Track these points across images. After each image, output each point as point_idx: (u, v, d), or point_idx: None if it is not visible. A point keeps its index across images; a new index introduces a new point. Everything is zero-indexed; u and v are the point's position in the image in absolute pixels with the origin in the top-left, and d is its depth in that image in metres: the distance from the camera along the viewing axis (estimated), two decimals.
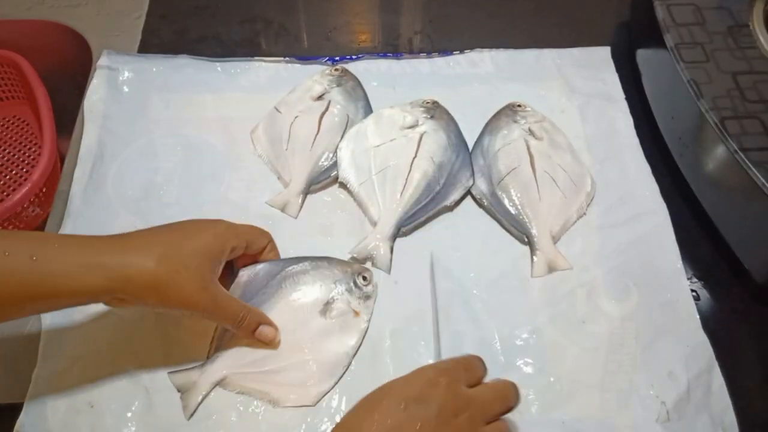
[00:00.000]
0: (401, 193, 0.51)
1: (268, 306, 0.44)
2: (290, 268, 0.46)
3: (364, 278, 0.46)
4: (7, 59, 0.66)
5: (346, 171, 0.52)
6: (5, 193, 0.67)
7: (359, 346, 0.44)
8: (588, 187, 0.52)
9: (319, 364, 0.43)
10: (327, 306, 0.45)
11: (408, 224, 0.50)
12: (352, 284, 0.45)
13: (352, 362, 0.44)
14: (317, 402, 0.42)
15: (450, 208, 0.52)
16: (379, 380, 0.43)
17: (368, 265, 0.48)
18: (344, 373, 0.43)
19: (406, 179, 0.51)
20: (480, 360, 0.39)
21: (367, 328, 0.45)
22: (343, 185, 0.52)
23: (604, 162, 0.55)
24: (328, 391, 0.42)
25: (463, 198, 0.52)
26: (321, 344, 0.44)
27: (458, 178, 0.52)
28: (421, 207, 0.51)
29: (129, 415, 0.42)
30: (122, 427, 0.41)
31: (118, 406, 0.42)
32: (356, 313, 0.45)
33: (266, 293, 0.45)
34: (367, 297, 0.45)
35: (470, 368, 0.38)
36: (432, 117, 0.55)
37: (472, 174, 0.53)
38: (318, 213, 0.51)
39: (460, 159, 0.54)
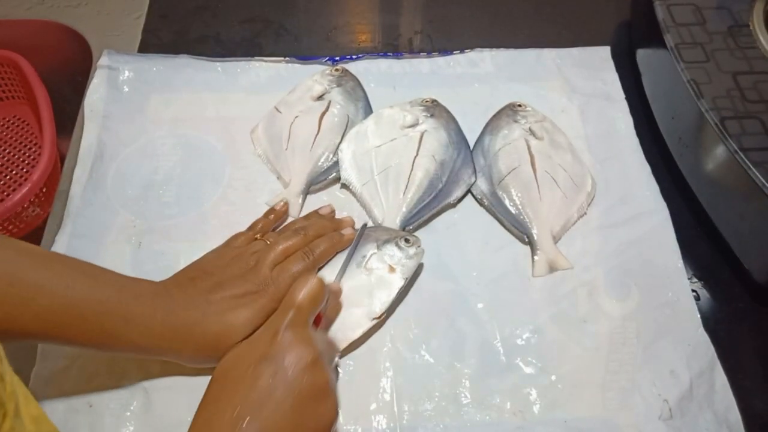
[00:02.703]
0: (404, 193, 0.51)
1: None
2: None
3: (407, 240, 0.47)
4: (7, 59, 0.66)
5: (348, 172, 0.52)
6: (5, 193, 0.67)
7: (393, 302, 0.45)
8: (588, 187, 0.52)
9: (349, 314, 0.44)
10: (365, 261, 0.46)
11: (412, 223, 0.50)
12: (394, 245, 0.46)
13: (352, 364, 0.44)
14: (343, 348, 0.43)
15: (453, 206, 0.52)
16: (379, 382, 0.43)
17: None
18: (372, 326, 0.44)
19: (409, 178, 0.51)
20: (315, 279, 0.39)
21: (405, 287, 0.46)
22: (346, 186, 0.52)
23: (604, 162, 0.55)
24: (354, 340, 0.44)
25: (465, 195, 0.52)
26: (354, 295, 0.45)
27: (460, 176, 0.52)
28: (425, 205, 0.51)
29: (128, 414, 0.41)
30: (121, 427, 0.41)
31: (116, 406, 0.42)
32: (392, 269, 0.45)
33: None
34: (408, 258, 0.46)
35: (304, 304, 0.38)
36: (432, 115, 0.55)
37: (474, 171, 0.53)
38: None
39: (461, 156, 0.54)
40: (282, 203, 0.50)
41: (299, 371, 0.35)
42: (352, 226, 0.48)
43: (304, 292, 0.38)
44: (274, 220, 0.49)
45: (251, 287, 0.41)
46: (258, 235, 0.46)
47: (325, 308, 0.41)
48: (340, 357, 0.44)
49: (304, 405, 0.35)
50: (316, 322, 0.40)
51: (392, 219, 0.50)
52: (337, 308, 0.44)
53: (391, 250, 0.46)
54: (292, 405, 0.34)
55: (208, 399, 0.35)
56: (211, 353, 0.39)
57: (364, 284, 0.45)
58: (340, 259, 0.46)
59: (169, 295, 0.40)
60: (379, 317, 0.44)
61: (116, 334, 0.38)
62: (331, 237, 0.46)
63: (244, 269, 0.42)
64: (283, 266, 0.43)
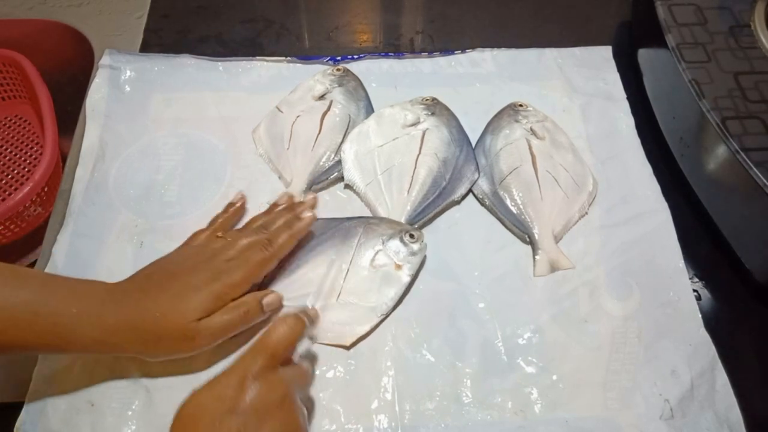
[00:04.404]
0: (408, 191, 0.51)
1: (319, 251, 0.47)
2: (344, 223, 0.49)
3: (411, 236, 0.47)
4: (8, 59, 0.66)
5: (351, 172, 0.52)
6: (7, 193, 0.67)
7: (399, 299, 0.46)
8: (590, 187, 0.52)
9: (357, 309, 0.45)
10: (372, 257, 0.46)
11: (417, 221, 0.50)
12: (398, 241, 0.47)
13: (353, 363, 0.44)
14: (352, 343, 0.44)
15: (457, 203, 0.52)
16: (381, 381, 0.43)
17: None
18: (380, 321, 0.45)
19: (412, 177, 0.51)
20: (294, 321, 0.38)
21: (410, 283, 0.47)
22: (348, 186, 0.53)
23: (605, 162, 0.55)
24: (362, 335, 0.44)
25: (469, 192, 0.53)
26: (361, 291, 0.45)
27: (463, 173, 0.53)
28: (429, 203, 0.51)
29: (129, 413, 0.41)
30: (123, 426, 0.41)
31: (118, 405, 0.42)
32: (398, 266, 0.46)
33: (319, 240, 0.48)
34: (413, 254, 0.47)
35: (278, 349, 0.36)
36: (433, 114, 0.55)
37: (477, 167, 0.53)
38: (320, 213, 0.51)
39: (463, 153, 0.54)
40: (240, 196, 0.50)
41: (269, 420, 0.34)
42: (313, 206, 0.48)
43: (279, 336, 0.36)
44: (233, 214, 0.49)
45: (203, 276, 0.41)
46: (219, 233, 0.46)
47: (301, 340, 0.40)
48: (348, 348, 0.44)
49: None
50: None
51: (397, 218, 0.50)
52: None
53: (396, 246, 0.47)
54: None
55: None
56: (166, 338, 0.39)
57: (372, 281, 0.46)
58: (339, 253, 0.47)
59: (123, 291, 0.41)
60: (387, 314, 0.45)
61: (69, 331, 0.38)
62: (289, 224, 0.46)
63: (199, 262, 0.43)
64: (242, 257, 0.43)
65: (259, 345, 0.36)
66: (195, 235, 0.47)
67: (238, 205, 0.49)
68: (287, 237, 0.45)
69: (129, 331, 0.39)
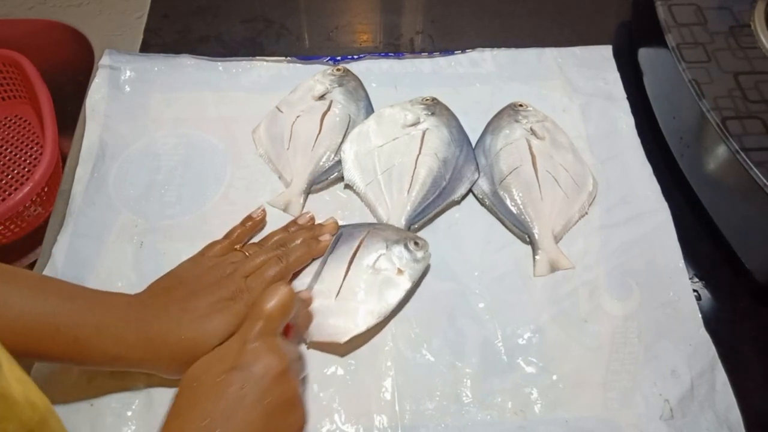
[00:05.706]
0: (408, 191, 0.51)
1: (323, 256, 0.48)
2: (350, 227, 0.49)
3: (416, 243, 0.47)
4: (8, 58, 0.66)
5: (351, 172, 0.52)
6: (7, 193, 0.67)
7: (399, 304, 0.45)
8: (590, 187, 0.52)
9: (355, 309, 0.45)
10: (375, 260, 0.46)
11: (417, 221, 0.50)
12: (403, 247, 0.47)
13: (353, 363, 0.44)
14: (346, 342, 0.43)
15: (458, 203, 0.52)
16: (381, 381, 0.43)
17: None
18: (377, 324, 0.44)
19: (412, 177, 0.51)
20: (285, 289, 0.38)
21: (411, 290, 0.46)
22: (349, 186, 0.53)
23: (605, 162, 0.55)
24: (357, 335, 0.44)
25: (469, 192, 0.53)
26: (360, 293, 0.45)
27: (464, 173, 0.53)
28: (429, 203, 0.51)
29: (129, 413, 0.41)
30: (122, 426, 0.41)
31: (118, 405, 0.42)
32: (399, 272, 0.46)
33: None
34: (416, 261, 0.46)
35: (273, 314, 0.37)
36: (433, 114, 0.55)
37: (477, 167, 0.53)
38: (319, 213, 0.51)
39: (463, 153, 0.54)
40: (260, 210, 0.50)
41: (268, 381, 0.35)
42: (332, 232, 0.48)
43: (273, 301, 0.38)
44: (251, 228, 0.49)
45: (225, 294, 0.41)
46: (237, 246, 0.46)
47: (296, 318, 0.41)
48: (342, 355, 0.44)
49: (273, 415, 0.35)
50: (287, 332, 0.40)
51: (397, 218, 0.50)
52: (308, 317, 0.44)
53: (399, 251, 0.47)
54: (261, 415, 0.34)
55: (178, 408, 0.35)
56: (188, 360, 0.39)
57: (372, 283, 0.45)
58: (340, 253, 0.47)
59: (143, 305, 0.41)
60: (384, 317, 0.45)
61: (90, 345, 0.38)
62: (307, 243, 0.46)
63: (219, 278, 0.43)
64: (257, 273, 0.43)
65: (254, 312, 0.38)
66: (210, 245, 0.47)
67: (256, 219, 0.49)
68: (302, 253, 0.46)
69: (149, 350, 0.39)
